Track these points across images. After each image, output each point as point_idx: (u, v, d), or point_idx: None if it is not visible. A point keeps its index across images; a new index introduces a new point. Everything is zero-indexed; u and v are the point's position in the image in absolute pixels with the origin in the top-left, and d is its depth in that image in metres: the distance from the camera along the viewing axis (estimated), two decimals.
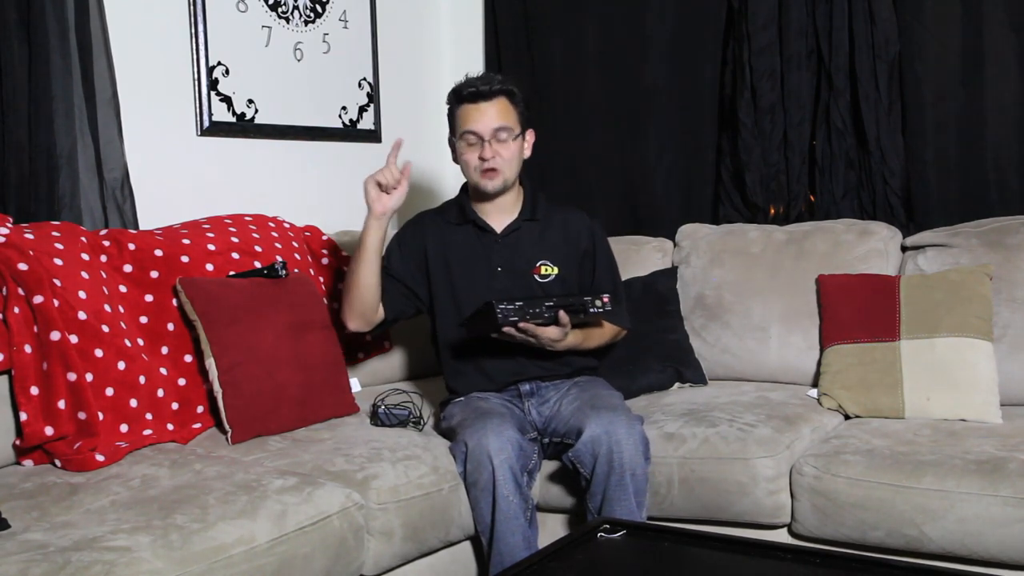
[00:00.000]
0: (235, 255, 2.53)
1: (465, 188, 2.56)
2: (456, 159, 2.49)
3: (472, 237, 2.50)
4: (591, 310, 2.33)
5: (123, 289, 2.30)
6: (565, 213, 2.58)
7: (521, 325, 2.25)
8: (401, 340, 2.99)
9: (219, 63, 2.94)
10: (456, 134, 2.46)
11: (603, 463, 2.16)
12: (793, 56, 3.10)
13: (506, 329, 2.25)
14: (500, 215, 2.51)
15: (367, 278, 2.39)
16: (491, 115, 2.40)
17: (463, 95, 2.42)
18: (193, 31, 2.88)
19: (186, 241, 2.47)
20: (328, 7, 3.28)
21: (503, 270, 2.46)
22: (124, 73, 2.64)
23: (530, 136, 2.51)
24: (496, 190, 2.45)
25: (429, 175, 3.75)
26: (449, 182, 3.81)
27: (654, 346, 2.80)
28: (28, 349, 2.05)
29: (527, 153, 2.52)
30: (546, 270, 2.48)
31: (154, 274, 2.35)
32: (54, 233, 2.21)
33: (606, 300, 2.34)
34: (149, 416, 2.20)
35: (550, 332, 2.30)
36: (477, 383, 2.46)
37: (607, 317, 2.42)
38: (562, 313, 2.29)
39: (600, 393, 2.38)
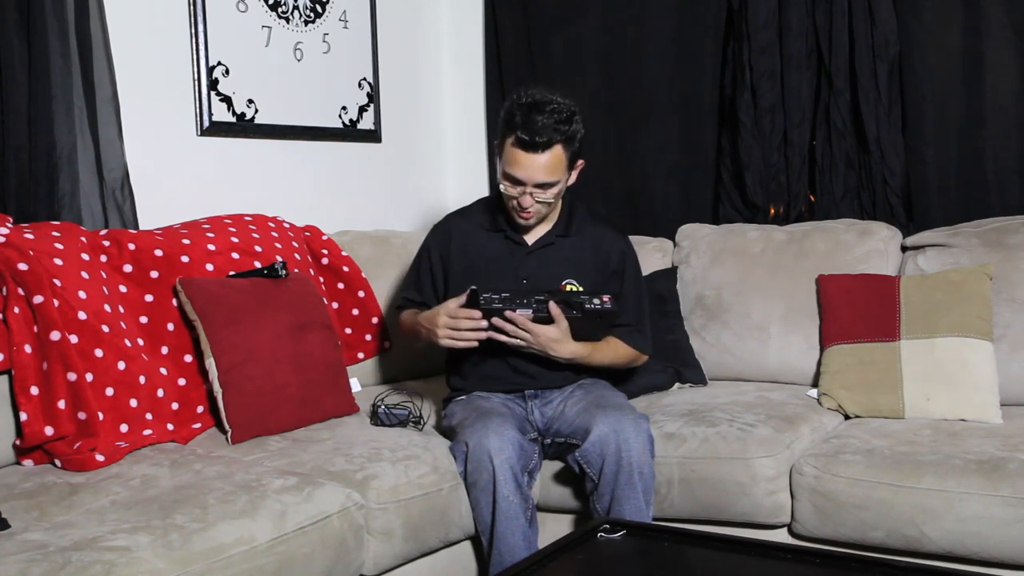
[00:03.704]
0: (235, 255, 2.53)
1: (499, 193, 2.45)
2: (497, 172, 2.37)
3: (501, 245, 2.45)
4: (587, 306, 2.26)
5: (123, 289, 2.30)
6: (600, 231, 2.49)
7: (511, 316, 2.20)
8: (401, 340, 2.98)
9: (219, 63, 2.94)
10: (500, 163, 2.32)
11: (611, 462, 2.16)
12: (793, 56, 3.10)
13: (495, 321, 2.21)
14: (533, 228, 2.45)
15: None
16: (538, 168, 2.25)
17: (518, 136, 2.23)
18: (193, 31, 2.88)
19: (186, 241, 2.47)
20: (328, 7, 3.27)
21: (528, 282, 2.40)
22: (124, 73, 2.63)
23: (579, 164, 2.38)
24: (530, 226, 2.41)
25: (429, 176, 3.75)
26: (449, 183, 3.81)
27: (654, 346, 2.80)
28: (28, 349, 2.05)
29: (572, 181, 2.39)
30: (571, 288, 2.40)
31: (154, 274, 2.35)
32: (54, 233, 2.21)
33: (606, 300, 2.29)
34: (149, 416, 2.20)
35: (548, 331, 2.25)
36: (480, 386, 2.44)
37: (611, 319, 2.36)
38: (552, 305, 2.23)
39: (605, 394, 2.38)
